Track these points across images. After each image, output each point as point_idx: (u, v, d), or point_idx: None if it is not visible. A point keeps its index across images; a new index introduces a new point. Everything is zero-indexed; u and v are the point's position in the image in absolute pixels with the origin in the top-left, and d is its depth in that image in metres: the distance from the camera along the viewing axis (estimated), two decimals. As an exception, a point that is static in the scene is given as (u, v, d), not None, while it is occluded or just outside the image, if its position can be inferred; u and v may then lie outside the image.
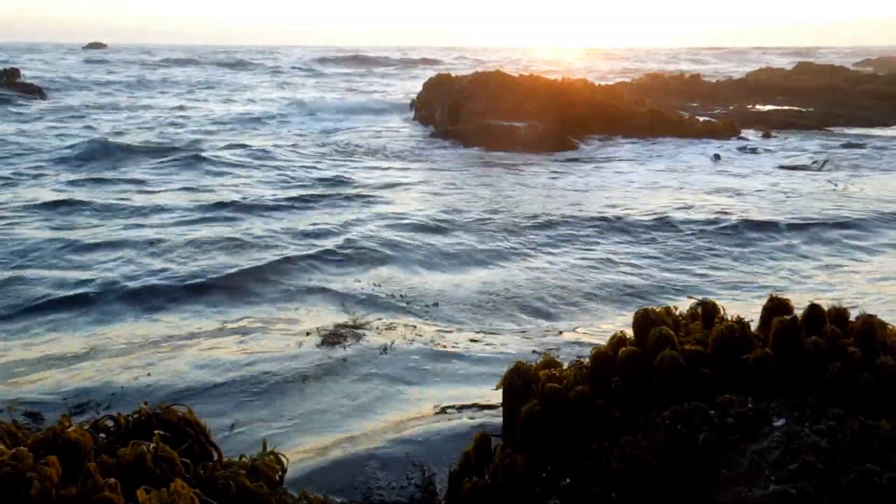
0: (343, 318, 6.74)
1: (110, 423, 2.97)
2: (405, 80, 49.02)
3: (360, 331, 6.35)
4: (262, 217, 11.09)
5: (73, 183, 13.65)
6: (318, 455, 4.16)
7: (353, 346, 6.01)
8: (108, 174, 14.62)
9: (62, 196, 12.21)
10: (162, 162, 15.89)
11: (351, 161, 17.33)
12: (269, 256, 8.67)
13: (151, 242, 9.32)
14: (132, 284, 7.63)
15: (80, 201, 11.80)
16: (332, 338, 6.12)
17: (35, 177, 14.17)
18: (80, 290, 7.42)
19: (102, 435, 2.90)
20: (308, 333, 6.28)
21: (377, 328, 6.47)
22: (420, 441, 4.22)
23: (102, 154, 16.46)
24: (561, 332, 6.62)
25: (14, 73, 36.17)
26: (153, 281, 7.77)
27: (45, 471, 2.31)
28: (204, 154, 16.54)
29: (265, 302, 7.31)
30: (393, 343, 6.06)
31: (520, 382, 3.36)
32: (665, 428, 2.80)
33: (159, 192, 13.16)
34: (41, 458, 2.37)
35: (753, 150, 19.12)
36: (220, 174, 14.86)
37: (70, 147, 17.31)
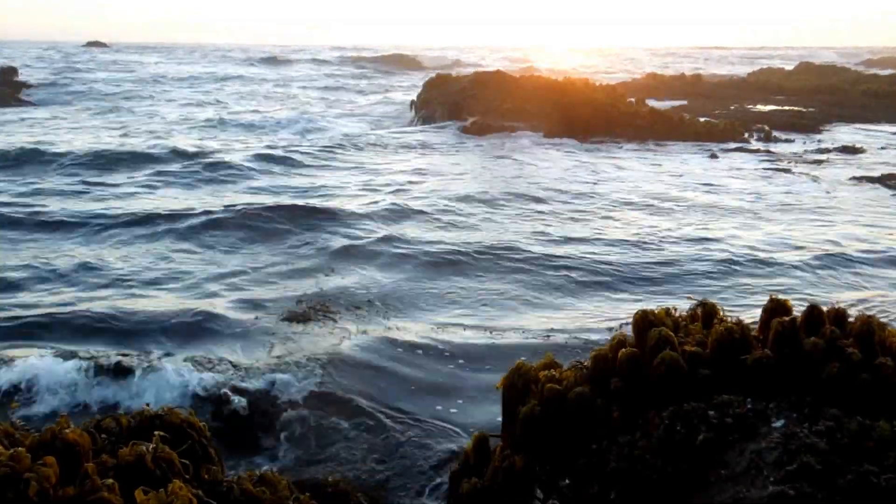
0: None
1: (112, 424, 2.98)
2: (405, 79, 48.96)
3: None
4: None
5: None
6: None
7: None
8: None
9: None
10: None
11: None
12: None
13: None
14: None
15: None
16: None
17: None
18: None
19: (104, 435, 2.90)
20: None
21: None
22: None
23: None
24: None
25: (11, 72, 36.15)
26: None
27: (43, 471, 2.31)
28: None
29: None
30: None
31: (519, 383, 3.36)
32: (664, 428, 2.80)
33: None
34: (39, 458, 2.38)
35: (753, 152, 19.11)
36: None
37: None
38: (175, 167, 15.15)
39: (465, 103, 22.69)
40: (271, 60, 68.21)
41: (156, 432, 2.75)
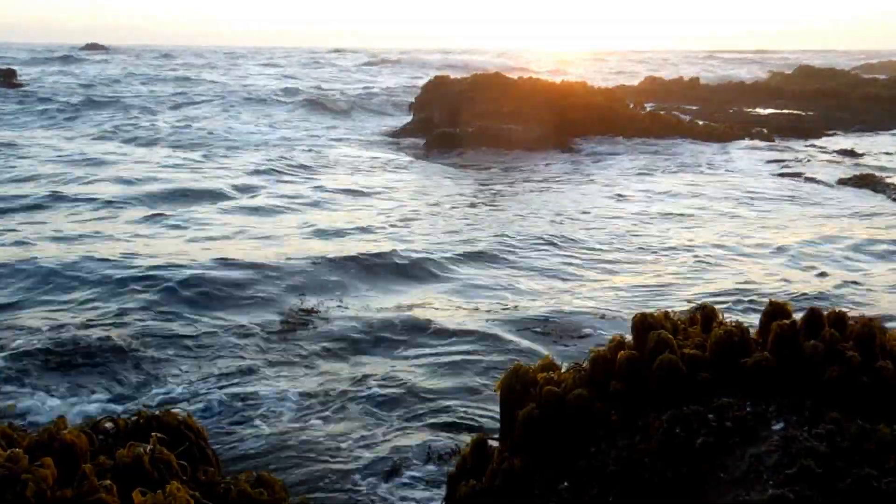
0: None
1: (109, 425, 2.97)
2: (405, 81, 48.86)
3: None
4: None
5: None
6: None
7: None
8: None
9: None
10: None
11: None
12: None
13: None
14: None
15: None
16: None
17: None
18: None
19: (101, 437, 2.90)
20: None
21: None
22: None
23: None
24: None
25: (10, 73, 36.13)
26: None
27: (40, 472, 2.30)
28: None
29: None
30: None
31: (518, 385, 3.34)
32: (663, 431, 2.80)
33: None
34: (37, 459, 2.37)
35: (754, 155, 19.13)
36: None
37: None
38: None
39: (463, 106, 22.68)
40: (270, 63, 68.10)
41: (153, 434, 2.75)
